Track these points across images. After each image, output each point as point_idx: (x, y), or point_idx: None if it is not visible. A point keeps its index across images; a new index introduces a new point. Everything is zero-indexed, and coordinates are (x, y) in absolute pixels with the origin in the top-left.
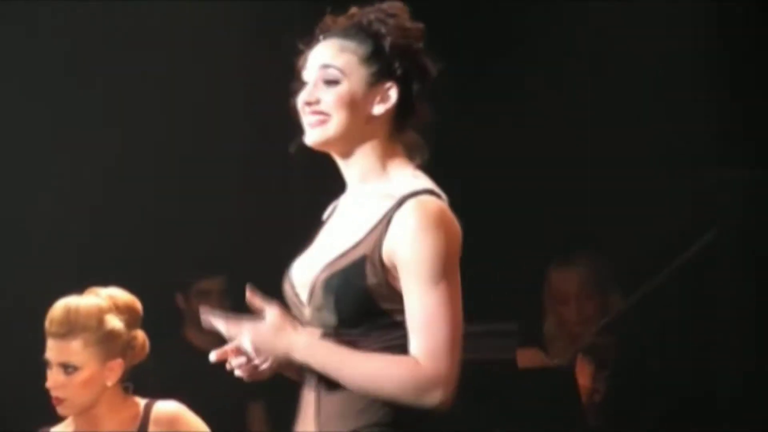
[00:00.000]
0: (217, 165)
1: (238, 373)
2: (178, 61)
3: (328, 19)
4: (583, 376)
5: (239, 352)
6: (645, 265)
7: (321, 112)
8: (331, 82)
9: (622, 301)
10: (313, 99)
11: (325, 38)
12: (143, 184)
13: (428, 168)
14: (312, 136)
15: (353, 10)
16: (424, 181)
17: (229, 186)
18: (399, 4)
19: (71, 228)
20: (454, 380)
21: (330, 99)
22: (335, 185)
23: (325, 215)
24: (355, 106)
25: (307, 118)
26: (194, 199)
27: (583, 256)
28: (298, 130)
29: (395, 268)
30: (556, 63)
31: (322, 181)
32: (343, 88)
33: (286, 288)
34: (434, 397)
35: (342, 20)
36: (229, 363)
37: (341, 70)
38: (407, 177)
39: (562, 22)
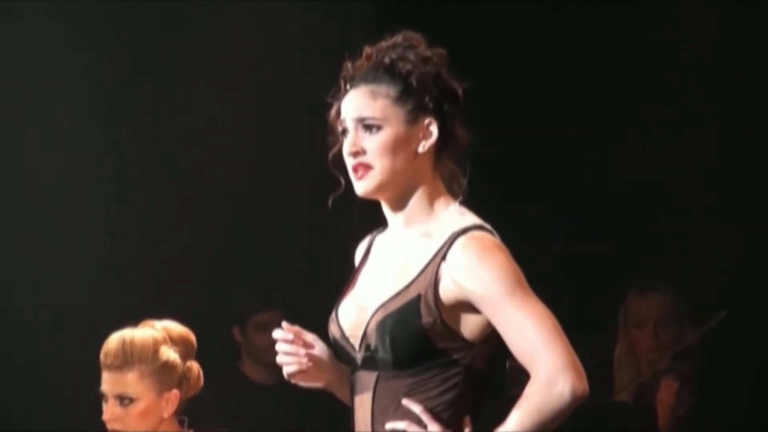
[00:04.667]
0: (274, 199)
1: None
2: (239, 95)
3: (348, 66)
4: (668, 391)
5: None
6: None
7: (364, 164)
8: (372, 129)
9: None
10: (358, 149)
11: (353, 87)
12: (201, 217)
13: (499, 198)
14: (360, 188)
15: (368, 50)
16: (472, 218)
17: (286, 219)
18: (414, 35)
19: (127, 260)
20: (578, 364)
21: (373, 147)
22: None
23: (358, 255)
24: (399, 148)
25: (351, 169)
26: (252, 231)
27: (663, 284)
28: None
29: (453, 306)
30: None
31: (382, 219)
32: (385, 134)
33: (334, 332)
34: (569, 387)
35: (363, 63)
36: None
37: (379, 118)
38: (454, 215)
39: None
